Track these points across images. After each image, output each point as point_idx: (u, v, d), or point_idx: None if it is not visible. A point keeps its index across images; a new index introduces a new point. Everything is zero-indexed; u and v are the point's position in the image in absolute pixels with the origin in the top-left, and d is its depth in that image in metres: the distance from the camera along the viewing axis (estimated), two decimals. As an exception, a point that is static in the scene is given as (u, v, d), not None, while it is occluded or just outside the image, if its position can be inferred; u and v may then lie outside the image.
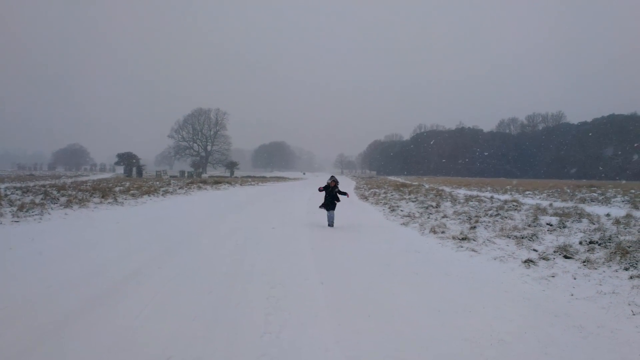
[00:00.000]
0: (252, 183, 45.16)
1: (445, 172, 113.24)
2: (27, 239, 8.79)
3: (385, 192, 26.93)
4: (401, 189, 29.74)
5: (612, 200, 19.83)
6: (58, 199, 15.34)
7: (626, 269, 6.62)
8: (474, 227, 11.16)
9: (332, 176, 12.69)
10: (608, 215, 12.81)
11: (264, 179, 63.58)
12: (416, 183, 44.34)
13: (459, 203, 17.99)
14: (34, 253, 7.55)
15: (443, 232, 10.75)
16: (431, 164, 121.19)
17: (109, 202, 16.20)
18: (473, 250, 8.71)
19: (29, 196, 15.97)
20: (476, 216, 13.03)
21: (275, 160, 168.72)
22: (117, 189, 22.30)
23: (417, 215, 14.39)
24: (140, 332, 4.16)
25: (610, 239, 8.56)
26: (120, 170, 75.89)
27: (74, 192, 18.32)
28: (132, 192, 20.77)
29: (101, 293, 5.29)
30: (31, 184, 26.52)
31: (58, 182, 29.26)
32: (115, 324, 4.33)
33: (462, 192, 26.68)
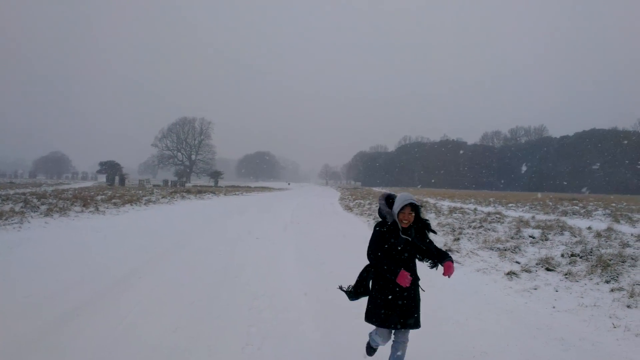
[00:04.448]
0: (237, 193, 44.89)
1: (429, 183, 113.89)
2: (5, 247, 8.61)
3: (370, 203, 26.97)
4: (386, 200, 29.75)
5: (594, 213, 20.07)
6: (38, 208, 15.08)
7: (607, 282, 6.69)
8: (458, 239, 11.22)
9: (410, 200, 3.41)
10: (589, 228, 12.96)
11: (248, 189, 63.22)
12: (401, 194, 44.46)
13: (443, 215, 18.09)
14: (12, 262, 7.40)
15: (427, 244, 10.77)
16: (415, 175, 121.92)
17: (90, 211, 15.97)
18: (456, 262, 8.73)
19: (8, 204, 15.66)
20: (460, 228, 13.10)
21: (260, 170, 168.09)
22: (98, 197, 22.00)
23: (401, 226, 14.40)
24: (120, 344, 4.08)
25: (591, 252, 8.66)
26: (102, 178, 74.87)
27: (54, 201, 18.03)
28: (114, 201, 20.50)
29: (81, 304, 5.19)
30: (11, 192, 26.00)
31: (39, 190, 28.76)
32: (94, 336, 4.24)
33: (445, 204, 26.83)
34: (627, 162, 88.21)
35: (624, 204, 28.12)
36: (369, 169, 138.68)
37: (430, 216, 17.28)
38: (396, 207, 3.42)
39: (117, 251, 8.81)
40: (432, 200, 31.11)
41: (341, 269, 7.86)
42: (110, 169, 71.56)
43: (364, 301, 3.56)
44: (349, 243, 11.38)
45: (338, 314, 5.17)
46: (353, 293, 3.62)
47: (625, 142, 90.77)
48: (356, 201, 30.85)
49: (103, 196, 23.25)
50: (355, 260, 8.67)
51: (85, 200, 19.25)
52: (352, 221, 17.88)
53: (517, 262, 8.41)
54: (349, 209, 24.92)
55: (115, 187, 51.45)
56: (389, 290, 3.37)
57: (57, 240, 9.94)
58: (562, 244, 10.20)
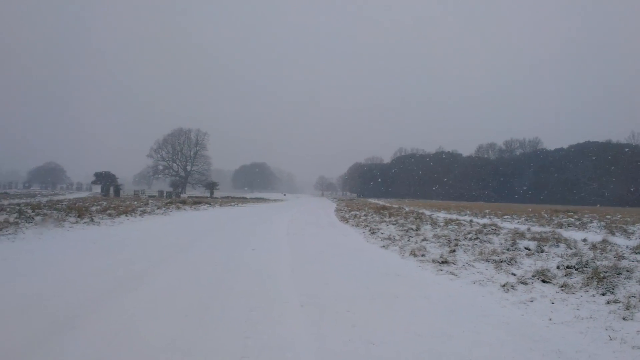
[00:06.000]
0: (232, 204, 44.79)
1: (425, 195, 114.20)
2: (-1, 258, 8.57)
3: (365, 215, 26.98)
4: (381, 211, 29.81)
5: (589, 225, 20.16)
6: (33, 218, 14.98)
7: (603, 294, 6.71)
8: (454, 251, 11.22)
9: None
10: (585, 240, 12.99)
11: (244, 200, 63.16)
12: (396, 206, 44.56)
13: (439, 226, 18.09)
14: (5, 272, 7.36)
15: (423, 255, 10.78)
16: (411, 187, 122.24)
17: (86, 222, 15.90)
18: (452, 273, 8.74)
19: (2, 215, 15.55)
20: (456, 239, 13.10)
21: (255, 181, 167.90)
22: (93, 208, 21.90)
23: (397, 238, 14.41)
24: (115, 356, 4.05)
25: (587, 264, 8.67)
26: (97, 189, 74.53)
27: (49, 211, 17.92)
28: (109, 211, 20.42)
29: (74, 314, 5.15)
30: (5, 203, 25.86)
31: (33, 201, 28.62)
32: (83, 350, 4.21)
33: (441, 216, 26.88)
34: (621, 174, 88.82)
35: (619, 216, 28.25)
36: (365, 181, 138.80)
37: (426, 227, 17.27)
38: None
39: (113, 261, 8.76)
40: (427, 212, 31.15)
41: (337, 280, 7.86)
42: (105, 179, 71.53)
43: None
44: (345, 254, 11.39)
45: (335, 325, 5.16)
46: None
47: (619, 154, 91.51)
48: (352, 212, 30.87)
49: (98, 207, 23.15)
50: (350, 271, 8.69)
51: (80, 210, 19.16)
52: (348, 232, 17.87)
53: (513, 274, 8.41)
54: (344, 220, 24.94)
55: (110, 197, 51.25)
56: None
57: (52, 251, 9.89)
58: (558, 256, 10.22)
